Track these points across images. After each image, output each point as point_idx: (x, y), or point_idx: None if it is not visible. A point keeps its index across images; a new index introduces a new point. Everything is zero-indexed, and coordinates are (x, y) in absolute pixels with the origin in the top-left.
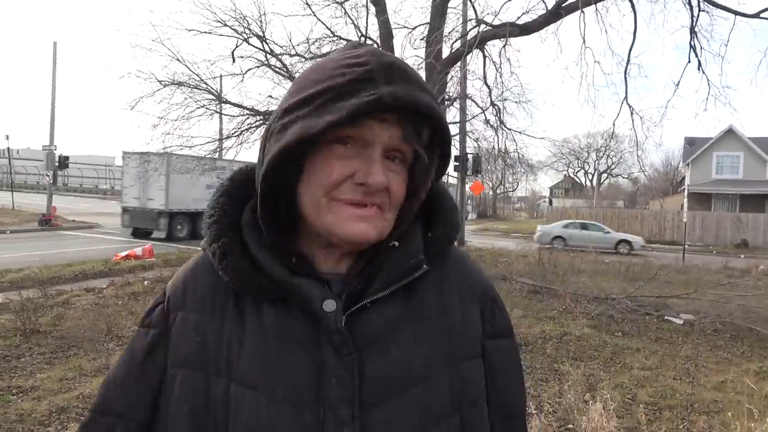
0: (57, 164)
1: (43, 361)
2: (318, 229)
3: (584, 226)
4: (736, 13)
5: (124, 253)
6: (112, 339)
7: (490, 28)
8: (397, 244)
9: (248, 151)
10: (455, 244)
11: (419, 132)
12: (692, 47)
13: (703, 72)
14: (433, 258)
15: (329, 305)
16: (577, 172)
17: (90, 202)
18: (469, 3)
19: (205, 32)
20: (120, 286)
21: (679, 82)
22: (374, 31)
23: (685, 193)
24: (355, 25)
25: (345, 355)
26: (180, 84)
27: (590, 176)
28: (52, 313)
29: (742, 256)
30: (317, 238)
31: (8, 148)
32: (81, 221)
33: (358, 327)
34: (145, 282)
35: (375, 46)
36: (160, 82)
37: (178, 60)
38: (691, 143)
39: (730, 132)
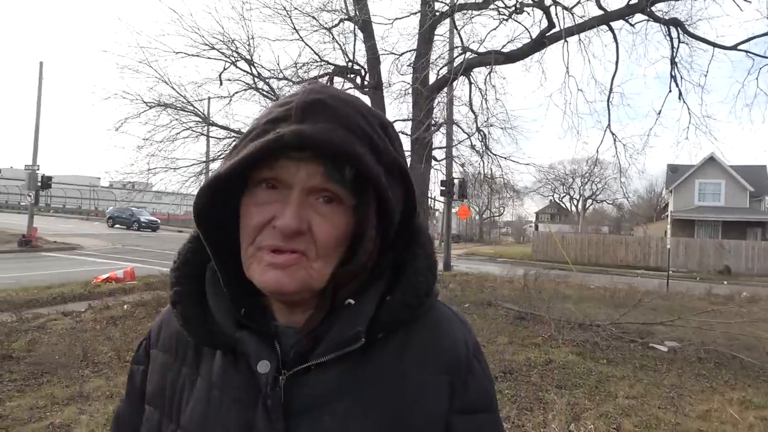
0: (39, 184)
1: (14, 388)
2: (250, 279)
3: None
4: (714, 45)
5: (104, 276)
6: (88, 365)
7: (476, 55)
8: (352, 302)
9: None
10: (440, 303)
11: (341, 170)
12: (673, 77)
13: (684, 101)
14: (386, 328)
15: (263, 366)
16: (562, 198)
17: (73, 222)
18: (455, 31)
19: (192, 55)
20: (99, 310)
21: (660, 110)
22: (362, 57)
23: (669, 219)
24: (342, 51)
25: (274, 421)
26: (166, 105)
27: (575, 202)
28: (26, 337)
29: (725, 282)
30: None
31: None
32: (62, 242)
33: (296, 390)
34: (125, 306)
35: (324, 83)
36: (146, 103)
37: (164, 82)
38: (673, 170)
39: (711, 160)
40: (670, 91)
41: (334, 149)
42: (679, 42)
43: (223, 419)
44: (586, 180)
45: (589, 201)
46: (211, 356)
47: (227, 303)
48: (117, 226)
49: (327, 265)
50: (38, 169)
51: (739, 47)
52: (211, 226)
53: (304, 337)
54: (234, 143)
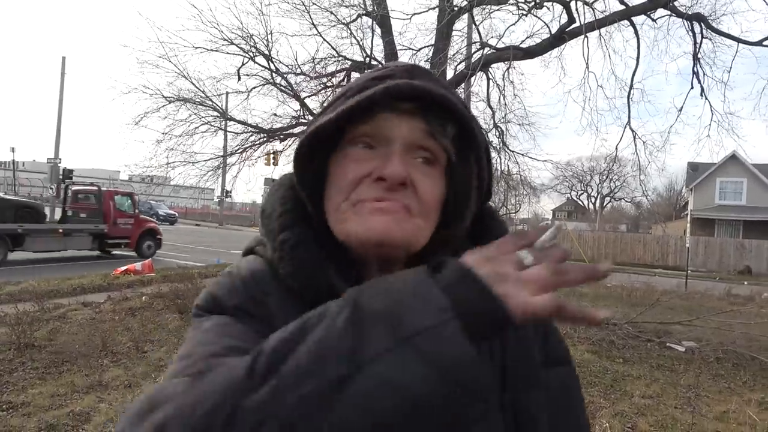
0: (61, 177)
1: (36, 376)
2: (340, 236)
3: None
4: (738, 40)
5: (123, 268)
6: (107, 355)
7: (494, 51)
8: None
9: (251, 168)
10: None
11: (443, 126)
12: (695, 73)
13: (706, 98)
14: None
15: None
16: (580, 195)
17: None
18: (473, 26)
19: (212, 50)
20: (117, 302)
21: (681, 107)
22: (379, 52)
23: (688, 218)
24: (360, 46)
25: None
26: (185, 100)
27: (593, 199)
28: (47, 327)
29: (746, 283)
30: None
31: (13, 160)
32: None
33: None
34: (144, 297)
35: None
36: (165, 98)
37: (184, 77)
38: (694, 168)
39: (733, 158)
40: (692, 87)
41: (446, 103)
42: (702, 37)
43: None
44: (604, 177)
45: (607, 199)
46: (283, 315)
47: (324, 257)
48: None
49: (427, 224)
50: (60, 162)
51: (764, 43)
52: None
53: None
54: (326, 103)
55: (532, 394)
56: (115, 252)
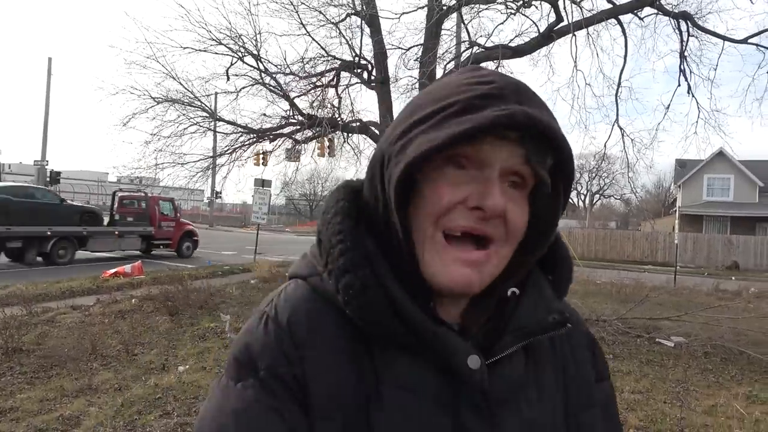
0: (48, 179)
1: (24, 380)
2: (424, 272)
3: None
4: (724, 38)
5: (112, 270)
6: (96, 358)
7: (483, 50)
8: (517, 292)
9: (240, 169)
10: None
11: (544, 156)
12: (682, 71)
13: (693, 96)
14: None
15: (474, 362)
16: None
17: None
18: (462, 25)
19: (200, 50)
20: (107, 304)
21: (669, 105)
22: (368, 52)
23: (677, 214)
24: (349, 46)
25: (485, 417)
26: (174, 101)
27: (583, 197)
28: (36, 331)
29: (733, 278)
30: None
31: None
32: None
33: (492, 383)
34: (133, 300)
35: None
36: (153, 98)
37: (172, 77)
38: (682, 165)
39: (720, 155)
40: (679, 85)
41: (551, 134)
42: (689, 35)
43: (427, 423)
44: (593, 175)
45: (597, 196)
46: (382, 354)
47: (409, 295)
48: None
49: (510, 251)
50: (47, 165)
51: (749, 41)
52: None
53: (480, 331)
54: (427, 115)
55: (590, 411)
56: (156, 252)
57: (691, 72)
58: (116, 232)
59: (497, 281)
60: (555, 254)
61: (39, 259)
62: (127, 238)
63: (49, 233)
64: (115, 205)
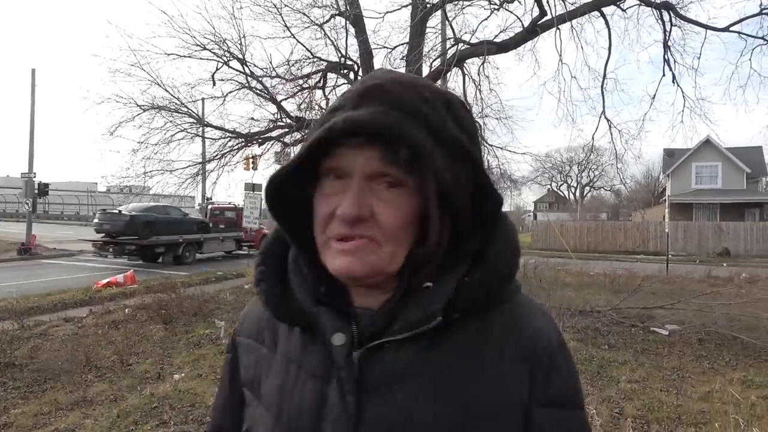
0: (36, 192)
1: (18, 395)
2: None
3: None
4: (707, 27)
5: (105, 281)
6: (91, 370)
7: (468, 46)
8: (430, 285)
9: (230, 174)
10: (522, 295)
11: (396, 152)
12: (666, 61)
13: (678, 85)
14: (463, 307)
15: (338, 339)
16: (560, 186)
17: (71, 228)
18: (447, 22)
19: (185, 56)
20: (100, 315)
21: (654, 95)
22: (354, 52)
23: (667, 203)
24: (335, 47)
25: (346, 394)
26: (160, 108)
27: (573, 189)
28: (28, 345)
29: (725, 264)
30: None
31: None
32: (62, 249)
33: (369, 366)
34: (127, 310)
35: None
36: (140, 106)
37: (157, 84)
38: (670, 154)
39: (707, 143)
40: (664, 75)
41: (382, 130)
42: (672, 25)
43: (298, 391)
44: (583, 167)
45: (587, 188)
46: (288, 335)
47: (308, 283)
48: None
49: (398, 248)
50: (35, 177)
51: (731, 28)
52: (292, 214)
53: (380, 316)
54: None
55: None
56: (238, 252)
57: (675, 61)
58: (221, 238)
59: (415, 274)
60: (485, 257)
61: (158, 259)
62: (226, 242)
63: (180, 240)
64: (209, 215)
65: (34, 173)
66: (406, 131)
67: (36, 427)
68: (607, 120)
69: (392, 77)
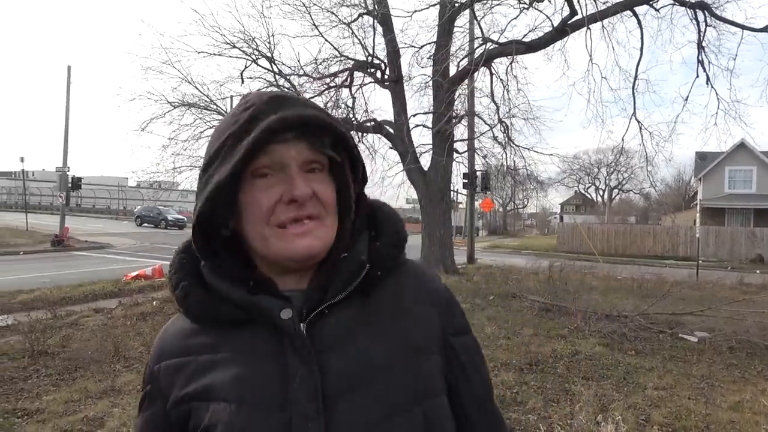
0: (70, 185)
1: (50, 383)
2: (270, 257)
3: None
4: (743, 27)
5: (134, 273)
6: (119, 360)
7: (497, 46)
8: (346, 254)
9: None
10: (414, 260)
11: (321, 140)
12: (700, 62)
13: (712, 86)
14: (383, 265)
15: (285, 313)
16: (587, 188)
17: (102, 222)
18: (475, 21)
19: (214, 54)
20: (129, 307)
21: (687, 96)
22: (381, 51)
23: (698, 207)
24: (362, 45)
25: (306, 356)
26: (190, 105)
27: (601, 192)
28: (60, 334)
29: (758, 271)
30: (273, 266)
31: (23, 170)
32: (93, 241)
33: (317, 332)
34: (154, 302)
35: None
36: (170, 103)
37: (188, 81)
38: (702, 158)
39: (742, 146)
40: (698, 76)
41: (311, 121)
42: (707, 25)
43: (258, 371)
44: (611, 170)
45: (615, 191)
46: (224, 336)
47: (231, 283)
48: (145, 224)
49: (333, 223)
50: (68, 171)
51: None
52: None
53: (313, 290)
54: (215, 152)
55: (431, 359)
56: None
57: (709, 62)
58: None
59: (332, 250)
60: (382, 225)
61: None
62: None
63: None
64: None
65: (68, 168)
66: (328, 120)
67: (66, 413)
68: (638, 122)
69: (277, 92)
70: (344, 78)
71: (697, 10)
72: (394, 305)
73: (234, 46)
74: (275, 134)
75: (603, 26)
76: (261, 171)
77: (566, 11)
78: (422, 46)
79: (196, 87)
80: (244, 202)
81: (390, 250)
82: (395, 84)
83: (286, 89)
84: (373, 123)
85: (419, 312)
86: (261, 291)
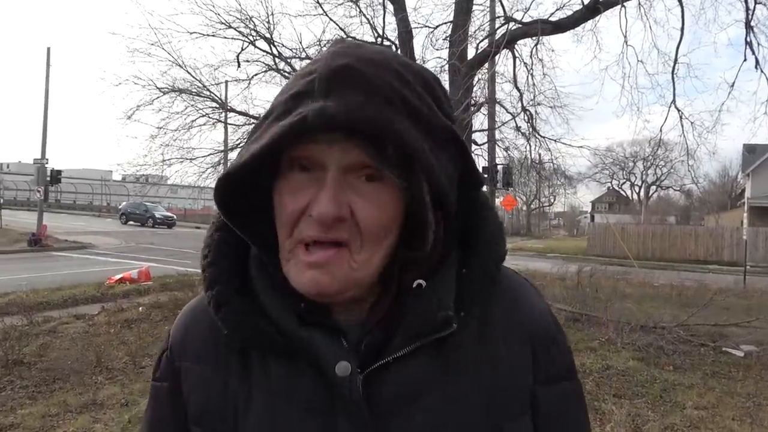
0: (49, 179)
1: (26, 395)
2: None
3: None
4: None
5: (118, 276)
6: (101, 371)
7: (520, 26)
8: (423, 284)
9: None
10: (505, 269)
11: (382, 150)
12: (748, 44)
13: (762, 71)
14: (470, 304)
15: (342, 368)
16: (622, 185)
17: (84, 219)
18: None
19: (208, 35)
20: (112, 313)
21: (733, 82)
22: (392, 31)
23: (745, 207)
24: (371, 25)
25: (362, 428)
26: (181, 91)
27: (637, 189)
28: (37, 342)
29: None
30: None
31: None
32: (74, 241)
33: (376, 390)
34: (140, 308)
35: (354, 41)
36: (159, 89)
37: (178, 65)
38: (750, 151)
39: None
40: (746, 59)
41: (366, 128)
42: (756, 2)
43: (297, 429)
44: (648, 164)
45: (653, 188)
46: (261, 361)
47: (283, 298)
48: (130, 222)
49: (374, 255)
50: (47, 163)
51: None
52: (248, 215)
53: (376, 328)
54: (253, 126)
55: (519, 421)
56: None
57: (759, 44)
58: None
59: (403, 274)
60: (477, 240)
61: None
62: None
63: None
64: None
65: (47, 159)
66: (390, 127)
67: (43, 429)
68: (678, 110)
69: (360, 55)
70: (352, 40)
71: None
72: (476, 349)
73: (230, 26)
74: (309, 133)
75: (639, 3)
76: (297, 161)
77: None
78: (437, 26)
79: (187, 71)
80: (275, 197)
81: (482, 282)
82: None
83: (286, 73)
84: None
85: (509, 353)
86: (312, 319)
